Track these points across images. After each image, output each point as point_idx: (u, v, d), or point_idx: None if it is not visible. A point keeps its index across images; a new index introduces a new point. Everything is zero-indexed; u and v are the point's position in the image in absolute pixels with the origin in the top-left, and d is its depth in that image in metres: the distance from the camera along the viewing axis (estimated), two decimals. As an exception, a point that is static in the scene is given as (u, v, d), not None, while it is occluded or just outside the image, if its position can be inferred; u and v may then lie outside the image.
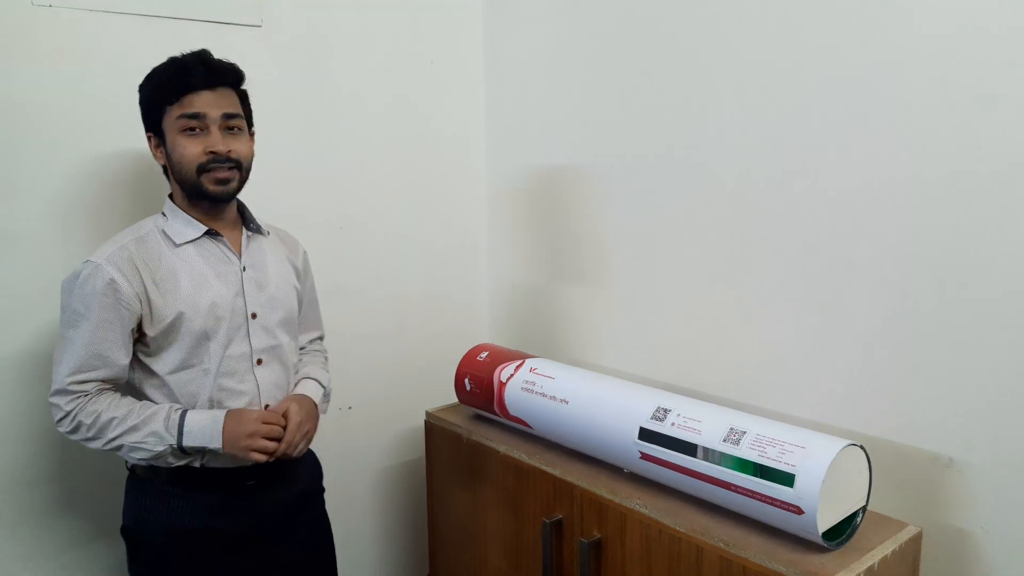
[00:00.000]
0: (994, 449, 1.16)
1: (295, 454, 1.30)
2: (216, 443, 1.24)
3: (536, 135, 1.93)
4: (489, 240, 2.13)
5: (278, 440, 1.27)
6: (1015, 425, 1.14)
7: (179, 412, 1.25)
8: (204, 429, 1.24)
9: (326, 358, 1.59)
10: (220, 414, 1.26)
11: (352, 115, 1.83)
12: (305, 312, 1.54)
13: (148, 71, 1.49)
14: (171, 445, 1.23)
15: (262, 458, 1.25)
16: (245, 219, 1.40)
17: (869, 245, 1.27)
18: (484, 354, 1.66)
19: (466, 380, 1.65)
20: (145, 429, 1.22)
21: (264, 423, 1.26)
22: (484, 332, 2.17)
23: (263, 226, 1.43)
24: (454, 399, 1.75)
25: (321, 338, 1.62)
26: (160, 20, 1.52)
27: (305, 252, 1.53)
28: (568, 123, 1.83)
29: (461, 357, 1.70)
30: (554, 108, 1.87)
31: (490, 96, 2.07)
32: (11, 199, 1.40)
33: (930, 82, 1.18)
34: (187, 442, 1.23)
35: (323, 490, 1.53)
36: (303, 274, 1.51)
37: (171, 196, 1.34)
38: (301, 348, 1.54)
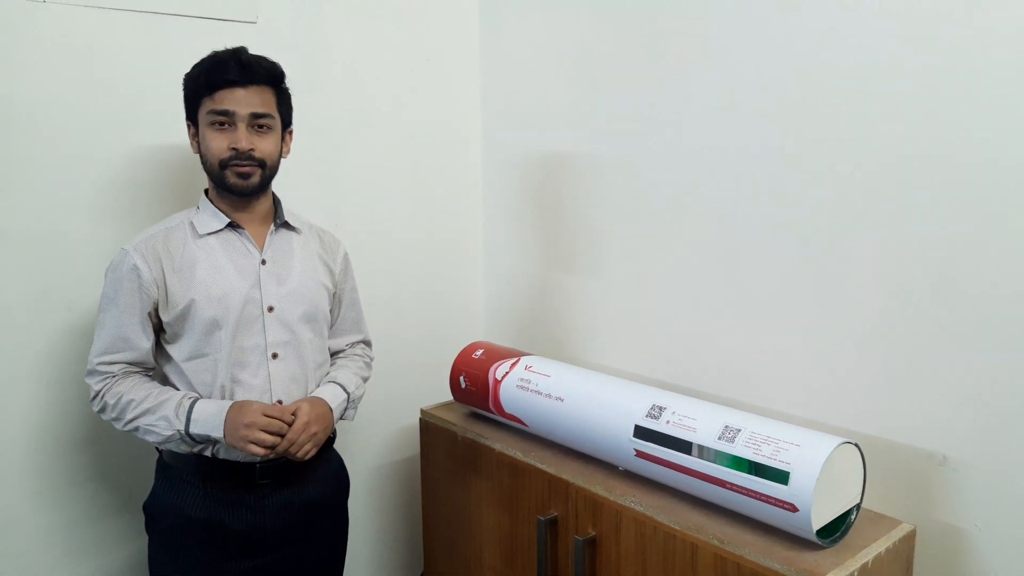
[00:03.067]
0: (988, 447, 1.16)
1: (300, 455, 1.29)
2: (218, 432, 1.25)
3: (532, 132, 1.93)
4: (484, 237, 2.13)
5: (281, 436, 1.26)
6: (1009, 423, 1.14)
7: (190, 400, 1.28)
8: (210, 418, 1.26)
9: (366, 363, 1.56)
10: (227, 404, 1.27)
11: (346, 111, 1.82)
12: (343, 315, 1.54)
13: (143, 68, 1.51)
14: (179, 431, 1.25)
15: (259, 451, 1.24)
16: (276, 214, 1.42)
17: (865, 242, 1.28)
18: (479, 352, 1.66)
19: (461, 378, 1.65)
20: (158, 413, 1.26)
21: (265, 416, 1.25)
22: (479, 330, 2.16)
23: (299, 224, 1.44)
24: (449, 397, 1.75)
25: (366, 343, 1.61)
26: (155, 16, 1.52)
27: (346, 254, 1.53)
28: (564, 117, 1.83)
29: (456, 355, 1.70)
30: (550, 103, 1.87)
31: (486, 92, 2.07)
32: (11, 196, 1.40)
33: (929, 78, 1.18)
34: (193, 429, 1.25)
35: (345, 501, 1.52)
36: (340, 276, 1.51)
37: (207, 191, 1.39)
38: (340, 352, 1.54)
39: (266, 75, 1.31)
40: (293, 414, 1.29)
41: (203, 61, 1.30)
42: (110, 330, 1.29)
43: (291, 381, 1.36)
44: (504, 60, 2.00)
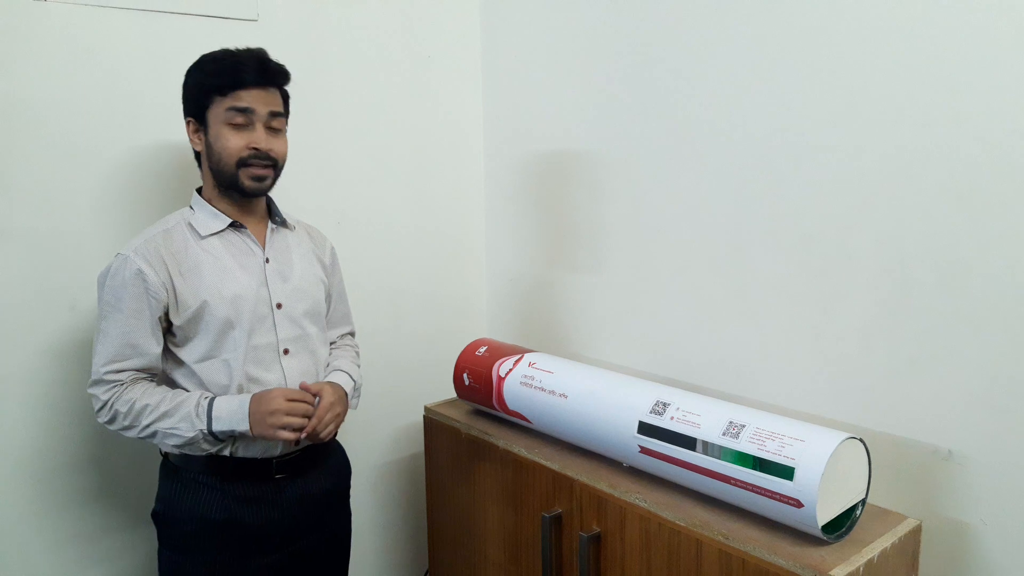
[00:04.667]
0: (993, 442, 1.16)
1: (324, 435, 1.31)
2: (244, 425, 1.25)
3: (534, 129, 1.93)
4: (487, 235, 2.13)
5: (307, 419, 1.28)
6: (1014, 417, 1.14)
7: (208, 399, 1.28)
8: (232, 413, 1.26)
9: (357, 353, 1.59)
10: (246, 397, 1.28)
11: (348, 109, 1.82)
12: (334, 308, 1.55)
13: (144, 66, 1.50)
14: (201, 431, 1.25)
15: (290, 436, 1.25)
16: (271, 212, 1.43)
17: (868, 237, 1.27)
18: (483, 349, 1.66)
19: (465, 375, 1.65)
20: (177, 415, 1.25)
21: (288, 400, 1.26)
22: (483, 327, 2.16)
23: (290, 220, 1.46)
24: (453, 394, 1.75)
25: (352, 334, 1.63)
26: (156, 14, 1.52)
27: (333, 248, 1.55)
28: (566, 115, 1.83)
29: (460, 352, 1.70)
30: (552, 101, 1.86)
31: (487, 88, 2.06)
32: (12, 195, 1.40)
33: (929, 75, 1.18)
34: (216, 427, 1.25)
35: (348, 489, 1.54)
36: (330, 269, 1.53)
37: (199, 190, 1.38)
38: (332, 343, 1.55)
39: (281, 78, 1.34)
40: (315, 395, 1.32)
41: (217, 58, 1.29)
42: (116, 338, 1.26)
43: (303, 376, 1.38)
44: (506, 57, 2.00)
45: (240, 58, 1.29)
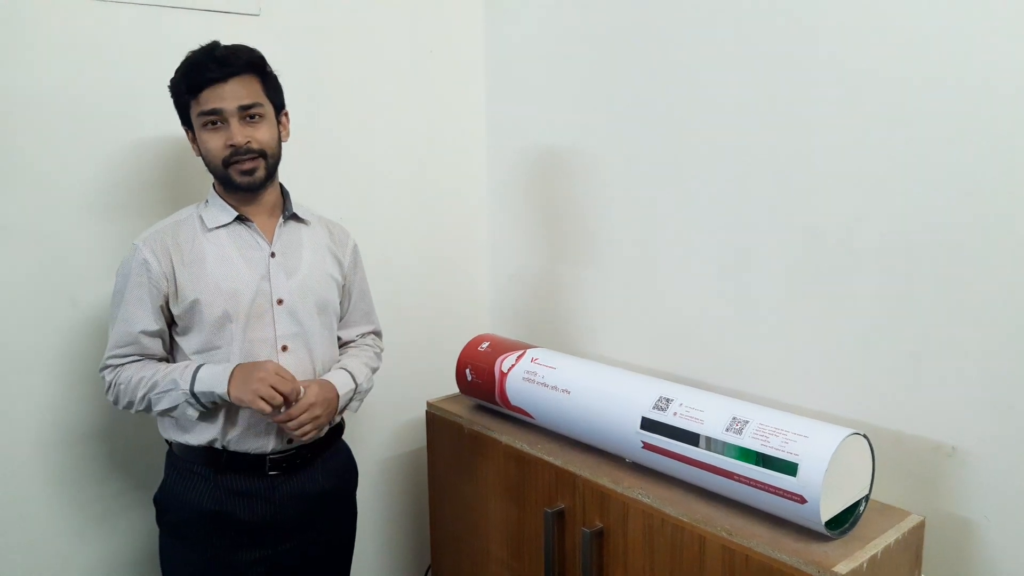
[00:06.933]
0: (996, 438, 1.16)
1: (298, 434, 1.29)
2: (222, 387, 1.24)
3: (537, 124, 1.92)
4: (490, 230, 2.13)
5: (287, 405, 1.26)
6: (1017, 414, 1.13)
7: (200, 363, 1.28)
8: (214, 375, 1.25)
9: (376, 354, 1.56)
10: (233, 364, 1.27)
11: (351, 104, 1.82)
12: (353, 306, 1.54)
13: (144, 61, 1.50)
14: (184, 391, 1.25)
15: (264, 407, 1.22)
16: (284, 206, 1.41)
17: (871, 234, 1.27)
18: (485, 344, 1.66)
19: (467, 370, 1.65)
20: (167, 380, 1.26)
21: (278, 374, 1.24)
22: (485, 322, 2.16)
23: (307, 215, 1.44)
24: (455, 390, 1.75)
25: (377, 334, 1.61)
26: (157, 8, 1.51)
27: (355, 245, 1.54)
28: (569, 111, 1.82)
29: (462, 347, 1.69)
30: (555, 97, 1.86)
31: (491, 85, 2.06)
32: (12, 190, 1.40)
33: (933, 73, 1.17)
34: (197, 388, 1.25)
35: (354, 491, 1.54)
36: (350, 267, 1.51)
37: (215, 184, 1.38)
38: (350, 342, 1.54)
39: (245, 64, 1.29)
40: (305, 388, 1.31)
41: (181, 65, 1.29)
42: (122, 324, 1.29)
43: (301, 374, 1.36)
44: (509, 53, 1.99)
45: (194, 59, 1.27)
